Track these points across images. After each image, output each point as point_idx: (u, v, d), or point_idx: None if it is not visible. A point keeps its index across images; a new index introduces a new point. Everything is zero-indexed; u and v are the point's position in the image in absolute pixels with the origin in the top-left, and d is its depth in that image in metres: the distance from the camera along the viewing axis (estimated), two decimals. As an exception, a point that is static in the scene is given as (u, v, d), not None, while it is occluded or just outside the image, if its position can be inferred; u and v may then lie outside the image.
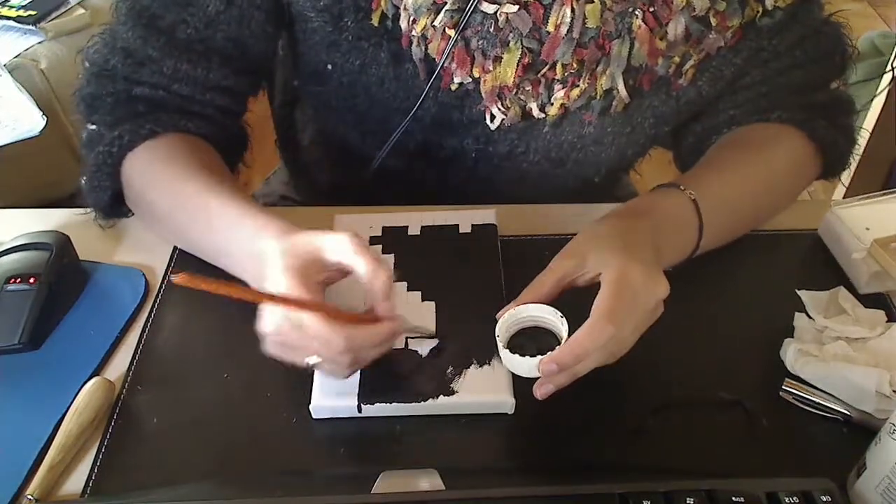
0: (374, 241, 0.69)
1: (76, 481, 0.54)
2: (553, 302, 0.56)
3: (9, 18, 1.46)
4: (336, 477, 0.55)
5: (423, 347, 0.60)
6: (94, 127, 0.68)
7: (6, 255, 0.67)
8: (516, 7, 0.61)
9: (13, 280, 0.64)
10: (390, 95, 0.71)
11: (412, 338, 0.60)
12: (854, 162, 0.79)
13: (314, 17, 0.67)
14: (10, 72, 1.35)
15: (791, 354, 0.61)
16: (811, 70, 0.72)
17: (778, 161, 0.72)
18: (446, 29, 0.63)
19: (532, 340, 0.57)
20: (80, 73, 0.69)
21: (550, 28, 0.62)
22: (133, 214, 0.72)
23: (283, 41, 0.76)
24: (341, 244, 0.52)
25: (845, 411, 0.57)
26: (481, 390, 0.57)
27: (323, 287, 0.55)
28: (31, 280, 0.64)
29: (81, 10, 1.51)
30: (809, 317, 0.65)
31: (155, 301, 0.67)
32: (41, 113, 1.28)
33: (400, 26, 0.65)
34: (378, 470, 0.52)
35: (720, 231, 0.67)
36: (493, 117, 0.69)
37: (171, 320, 0.66)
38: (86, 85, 0.68)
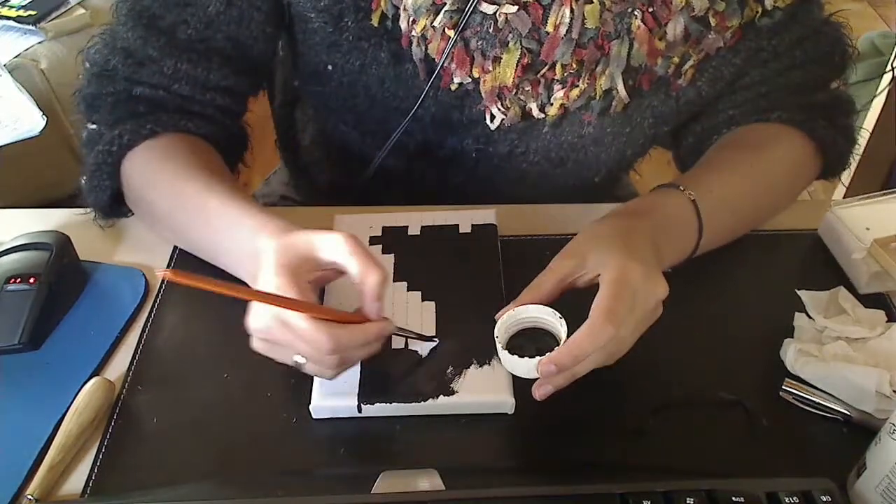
0: (374, 241, 0.69)
1: (76, 481, 0.54)
2: (553, 303, 0.56)
3: (9, 18, 1.46)
4: (336, 477, 0.55)
5: (423, 347, 0.60)
6: (94, 126, 0.68)
7: (6, 255, 0.67)
8: (515, 7, 0.61)
9: (13, 280, 0.64)
10: (390, 95, 0.71)
11: (412, 338, 0.61)
12: (854, 162, 0.79)
13: (314, 18, 0.67)
14: (10, 72, 1.35)
15: (791, 354, 0.61)
16: (811, 70, 0.72)
17: (778, 161, 0.72)
18: (446, 29, 0.63)
19: (531, 341, 0.57)
20: (81, 73, 0.69)
21: (549, 28, 0.62)
22: (133, 214, 0.72)
23: (283, 41, 0.76)
24: (336, 243, 0.52)
25: (845, 411, 0.57)
26: (481, 390, 0.57)
27: (315, 286, 0.55)
28: (31, 280, 0.64)
29: (81, 10, 1.51)
30: (809, 317, 0.65)
31: (155, 301, 0.67)
32: (41, 113, 1.28)
33: (400, 26, 0.65)
34: (378, 470, 0.52)
35: (720, 231, 0.67)
36: (492, 117, 0.69)
37: (171, 320, 0.66)
38: (86, 85, 0.68)
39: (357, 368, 0.58)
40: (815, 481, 0.50)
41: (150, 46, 0.66)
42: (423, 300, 0.64)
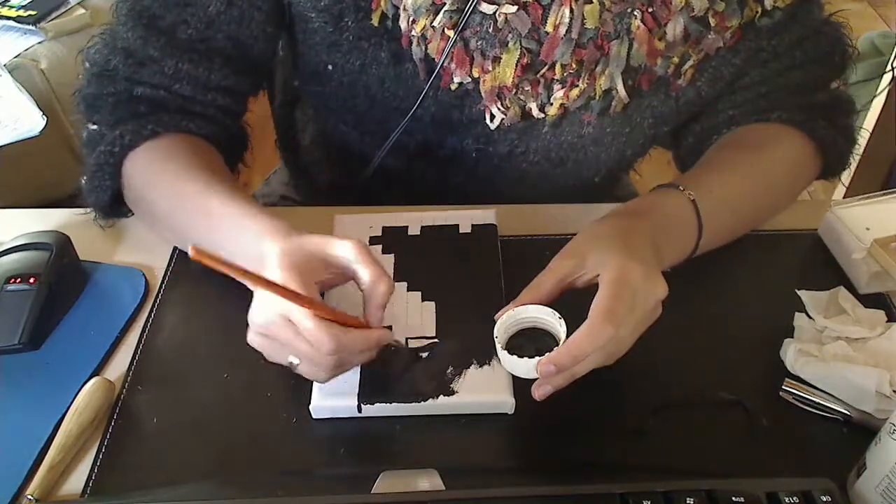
0: (374, 241, 0.69)
1: (76, 481, 0.54)
2: (552, 303, 0.56)
3: (9, 18, 1.46)
4: (336, 477, 0.55)
5: (423, 347, 0.60)
6: (95, 127, 0.68)
7: (6, 255, 0.67)
8: (515, 8, 0.61)
9: (13, 280, 0.64)
10: (390, 95, 0.71)
11: (412, 338, 0.60)
12: (854, 162, 0.79)
13: (314, 18, 0.67)
14: (10, 72, 1.35)
15: (791, 354, 0.61)
16: (811, 70, 0.72)
17: (777, 161, 0.72)
18: (445, 29, 0.63)
19: (531, 341, 0.57)
20: (81, 73, 0.69)
21: (549, 28, 0.62)
22: (133, 214, 0.72)
23: (283, 41, 0.76)
24: (350, 248, 0.53)
25: (845, 411, 0.57)
26: (481, 390, 0.57)
27: (320, 290, 0.55)
28: (31, 280, 0.64)
29: (81, 10, 1.51)
30: (809, 317, 0.65)
31: (155, 301, 0.67)
32: (41, 113, 1.28)
33: (400, 26, 0.65)
34: (378, 470, 0.52)
35: (719, 231, 0.67)
36: (492, 117, 0.69)
37: (171, 320, 0.66)
38: (87, 85, 0.68)
39: (357, 368, 0.58)
40: (815, 481, 0.50)
41: (150, 46, 0.66)
42: (423, 300, 0.64)
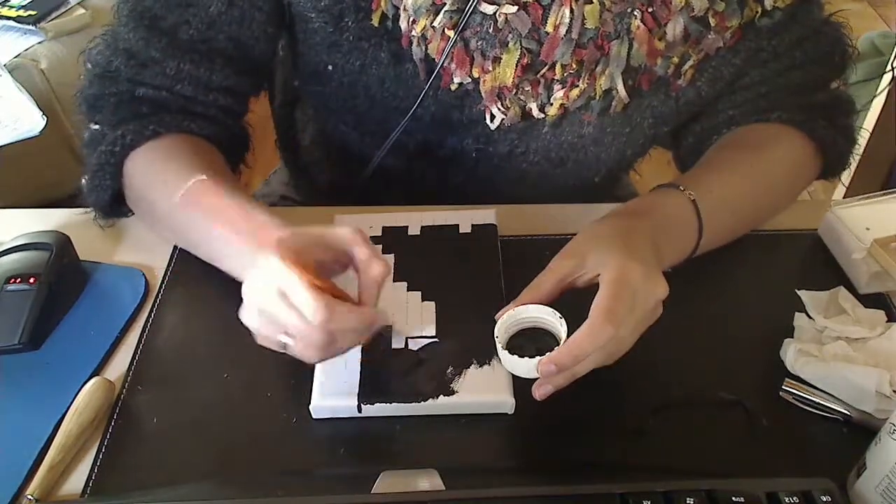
0: (374, 241, 0.69)
1: (76, 481, 0.54)
2: (552, 302, 0.56)
3: (9, 18, 1.46)
4: (336, 477, 0.55)
5: (423, 348, 0.60)
6: (97, 127, 0.68)
7: (6, 255, 0.67)
8: (515, 8, 0.61)
9: (13, 280, 0.64)
10: (390, 95, 0.71)
11: (412, 338, 0.61)
12: (854, 162, 0.79)
13: (314, 18, 0.67)
14: (10, 72, 1.35)
15: (791, 354, 0.61)
16: (811, 70, 0.72)
17: (777, 161, 0.72)
18: (446, 29, 0.63)
19: (531, 341, 0.57)
20: (82, 73, 0.69)
21: (549, 29, 0.62)
22: (133, 214, 0.72)
23: (283, 41, 0.76)
24: (346, 230, 0.53)
25: (845, 411, 0.57)
26: (481, 390, 0.57)
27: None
28: (31, 280, 0.64)
29: (81, 10, 1.51)
30: (809, 317, 0.65)
31: (155, 301, 0.67)
32: (41, 113, 1.28)
33: (400, 26, 0.65)
34: (378, 470, 0.52)
35: (720, 231, 0.67)
36: (492, 117, 0.69)
37: (171, 320, 0.66)
38: (88, 86, 0.68)
39: (357, 368, 0.58)
40: (815, 481, 0.50)
41: (152, 47, 0.66)
42: (423, 300, 0.64)
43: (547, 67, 0.65)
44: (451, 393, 0.57)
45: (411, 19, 0.64)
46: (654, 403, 0.58)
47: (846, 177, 0.81)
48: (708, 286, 0.69)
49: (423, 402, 0.57)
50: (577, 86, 0.66)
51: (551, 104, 0.67)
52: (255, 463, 0.56)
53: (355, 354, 0.59)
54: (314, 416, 0.58)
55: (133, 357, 0.63)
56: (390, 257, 0.68)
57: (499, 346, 0.55)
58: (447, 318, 0.62)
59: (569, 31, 0.61)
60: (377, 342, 0.60)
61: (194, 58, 0.67)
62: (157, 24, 0.66)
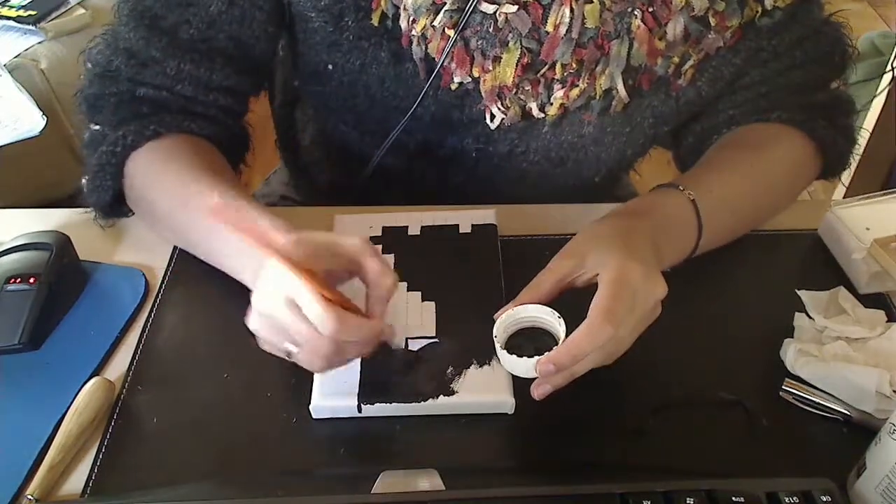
0: (374, 241, 0.69)
1: (76, 481, 0.54)
2: (551, 302, 0.56)
3: (9, 18, 1.46)
4: (336, 477, 0.55)
5: (423, 348, 0.60)
6: (97, 127, 0.68)
7: (6, 255, 0.67)
8: (515, 7, 0.61)
9: (13, 280, 0.64)
10: (390, 95, 0.71)
11: (412, 338, 0.61)
12: (854, 162, 0.79)
13: (314, 17, 0.67)
14: (10, 72, 1.35)
15: (791, 354, 0.61)
16: (811, 70, 0.72)
17: (777, 161, 0.72)
18: (446, 29, 0.63)
19: (530, 341, 0.57)
20: (83, 73, 0.69)
21: (549, 28, 0.62)
22: (133, 214, 0.72)
23: (283, 41, 0.76)
24: (356, 240, 0.53)
25: (845, 411, 0.57)
26: (481, 390, 0.57)
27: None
28: (31, 280, 0.64)
29: (81, 10, 1.51)
30: (809, 317, 0.65)
31: (155, 301, 0.67)
32: (41, 113, 1.28)
33: (400, 26, 0.65)
34: (378, 470, 0.52)
35: (719, 231, 0.67)
36: (492, 117, 0.69)
37: (171, 320, 0.66)
38: (88, 86, 0.68)
39: (357, 368, 0.58)
40: (815, 481, 0.50)
41: (152, 47, 0.66)
42: (423, 300, 0.64)
43: (547, 67, 0.65)
44: (451, 393, 0.57)
45: (411, 19, 0.64)
46: (654, 403, 0.58)
47: (846, 177, 0.81)
48: (708, 286, 0.69)
49: (423, 402, 0.57)
50: (578, 85, 0.66)
51: (551, 104, 0.67)
52: (255, 463, 0.56)
53: (355, 354, 0.59)
54: (314, 416, 0.58)
55: (133, 357, 0.62)
56: (390, 257, 0.68)
57: (497, 346, 0.55)
58: (447, 318, 0.62)
59: (569, 30, 0.61)
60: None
61: (194, 57, 0.67)
62: (158, 23, 0.66)
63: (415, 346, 0.60)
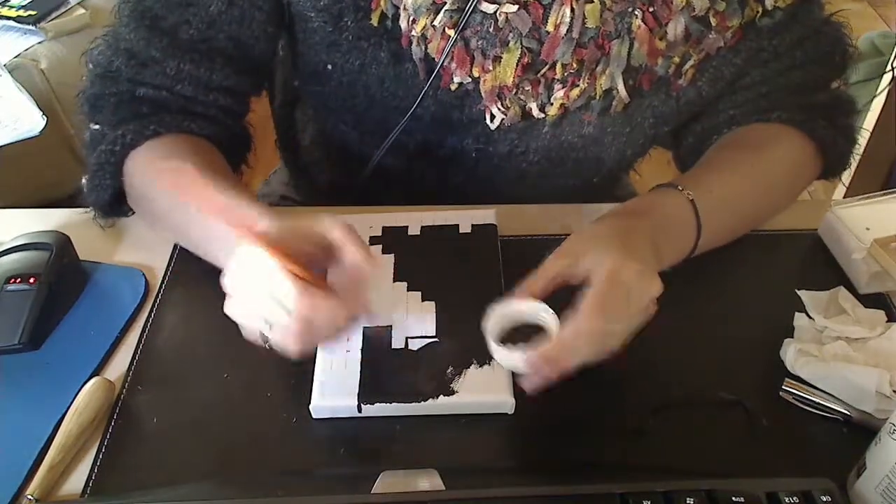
0: (374, 241, 0.69)
1: (76, 481, 0.54)
2: (546, 299, 0.56)
3: (9, 18, 1.46)
4: (336, 477, 0.55)
5: (423, 347, 0.60)
6: (97, 127, 0.68)
7: (6, 255, 0.67)
8: (516, 7, 0.61)
9: (13, 280, 0.64)
10: (390, 95, 0.71)
11: (412, 338, 0.61)
12: (854, 162, 0.79)
13: (314, 17, 0.67)
14: (10, 72, 1.36)
15: (791, 354, 0.61)
16: (811, 70, 0.72)
17: (777, 161, 0.72)
18: (446, 29, 0.63)
19: (524, 337, 0.56)
20: (84, 74, 0.69)
21: (550, 28, 0.62)
22: (133, 213, 0.72)
23: (282, 41, 0.76)
24: (328, 223, 0.53)
25: (845, 411, 0.57)
26: (481, 390, 0.57)
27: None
28: (31, 280, 0.64)
29: (81, 10, 1.51)
30: (809, 317, 0.65)
31: (155, 301, 0.67)
32: (41, 113, 1.28)
33: (400, 26, 0.65)
34: (378, 470, 0.53)
35: (719, 231, 0.67)
36: (492, 117, 0.69)
37: (171, 320, 0.66)
38: (90, 86, 0.68)
39: (357, 368, 0.58)
40: (815, 481, 0.50)
41: (152, 47, 0.66)
42: (423, 300, 0.64)
43: (547, 67, 0.65)
44: (451, 393, 0.57)
45: (411, 19, 0.64)
46: (654, 403, 0.58)
47: (846, 177, 0.81)
48: (708, 286, 0.69)
49: (423, 402, 0.57)
50: (578, 85, 0.66)
51: (551, 104, 0.67)
52: (255, 463, 0.56)
53: (355, 354, 0.59)
54: (314, 416, 0.58)
55: (133, 357, 0.63)
56: (390, 257, 0.68)
57: (489, 339, 0.55)
58: (447, 318, 0.62)
59: (569, 30, 0.61)
60: (377, 342, 0.60)
61: (194, 57, 0.67)
62: (158, 24, 0.66)
63: (415, 345, 0.60)
